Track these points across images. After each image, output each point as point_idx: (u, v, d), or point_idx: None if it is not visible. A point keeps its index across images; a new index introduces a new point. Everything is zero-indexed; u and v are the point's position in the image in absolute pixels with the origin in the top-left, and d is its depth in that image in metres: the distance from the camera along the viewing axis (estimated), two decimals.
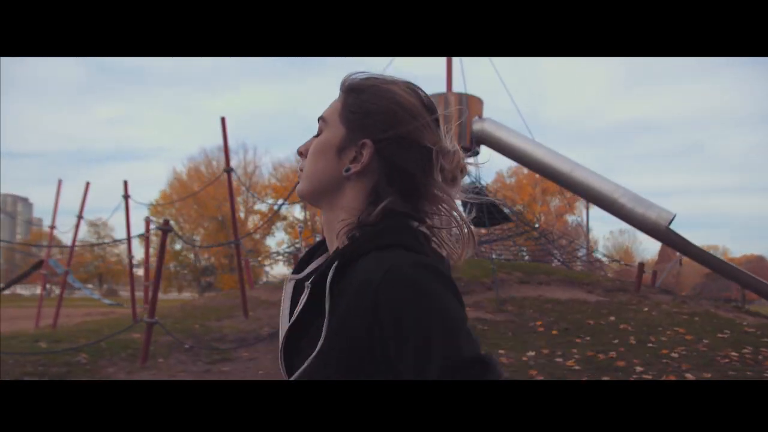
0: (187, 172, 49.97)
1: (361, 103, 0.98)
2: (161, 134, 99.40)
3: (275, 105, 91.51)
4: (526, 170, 55.48)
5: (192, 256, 50.39)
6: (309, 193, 1.00)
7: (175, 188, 49.61)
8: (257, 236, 46.25)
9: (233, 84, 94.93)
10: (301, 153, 1.03)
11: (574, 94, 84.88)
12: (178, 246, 47.60)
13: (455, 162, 0.96)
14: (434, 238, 0.97)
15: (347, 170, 0.96)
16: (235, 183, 12.38)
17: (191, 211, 49.07)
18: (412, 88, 1.00)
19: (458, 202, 1.01)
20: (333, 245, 0.98)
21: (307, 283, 0.93)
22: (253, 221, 48.23)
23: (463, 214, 0.97)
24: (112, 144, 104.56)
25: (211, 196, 46.09)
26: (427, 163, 0.95)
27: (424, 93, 1.00)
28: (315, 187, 1.00)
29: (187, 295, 48.41)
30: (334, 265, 0.89)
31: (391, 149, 0.95)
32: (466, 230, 0.97)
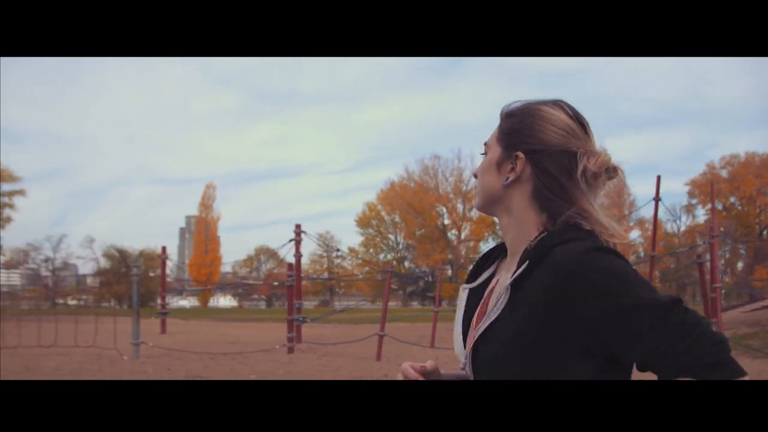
0: (399, 183, 51.72)
1: (512, 124, 1.16)
2: (312, 151, 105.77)
3: (419, 114, 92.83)
4: (743, 158, 50.51)
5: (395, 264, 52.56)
6: (483, 205, 1.21)
7: (386, 198, 51.94)
8: (471, 244, 47.20)
9: (377, 97, 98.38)
10: (475, 175, 1.23)
11: None
12: (382, 256, 49.84)
13: (599, 162, 1.09)
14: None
15: (506, 180, 1.14)
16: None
17: (406, 220, 50.76)
18: (558, 104, 1.15)
19: None
20: (513, 246, 1.15)
21: (507, 285, 1.06)
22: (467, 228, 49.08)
23: (599, 213, 1.09)
24: (268, 163, 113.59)
25: (429, 205, 47.42)
26: (573, 165, 1.09)
27: (571, 106, 1.15)
28: (486, 200, 1.20)
29: (392, 304, 50.61)
30: (525, 264, 1.05)
31: (539, 157, 1.11)
32: (603, 227, 1.07)
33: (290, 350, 13.09)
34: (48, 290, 40.19)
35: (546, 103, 1.16)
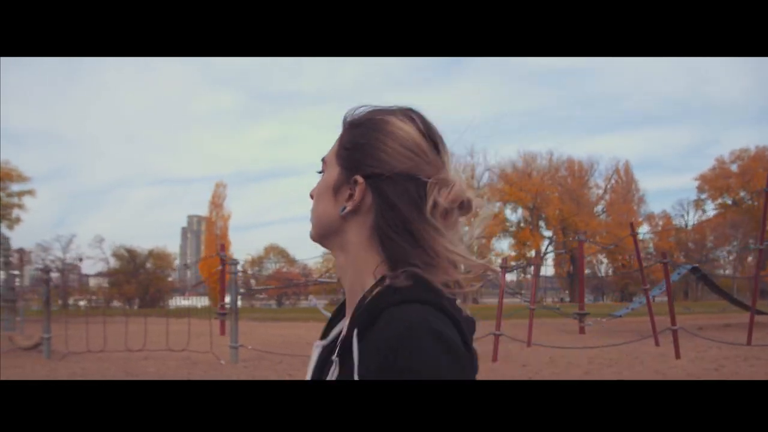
0: None
1: (353, 139, 0.96)
2: (313, 150, 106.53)
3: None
4: (753, 151, 50.25)
5: None
6: (316, 237, 1.00)
7: None
8: (483, 241, 47.05)
9: (377, 96, 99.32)
10: (311, 196, 1.02)
11: None
12: None
13: (452, 195, 0.90)
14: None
15: (343, 210, 0.94)
16: None
17: None
18: (409, 117, 0.95)
19: None
20: (350, 294, 0.95)
21: (334, 358, 0.89)
22: None
23: (455, 251, 0.89)
24: (269, 164, 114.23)
25: None
26: (421, 197, 0.89)
27: (424, 119, 0.96)
28: (319, 231, 0.99)
29: None
30: (355, 333, 0.85)
31: (383, 184, 0.91)
32: (452, 270, 0.88)
33: None
34: (59, 290, 39.97)
35: (395, 112, 0.96)
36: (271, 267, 52.45)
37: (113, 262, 47.08)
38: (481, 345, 12.10)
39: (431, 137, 0.94)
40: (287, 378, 9.36)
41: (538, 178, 52.73)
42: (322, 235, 0.98)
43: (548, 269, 51.18)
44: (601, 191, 55.24)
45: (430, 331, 0.79)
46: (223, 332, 16.44)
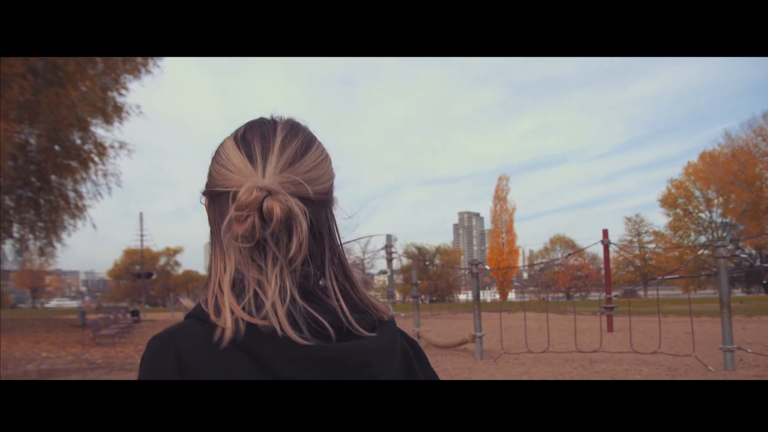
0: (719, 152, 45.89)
1: None
2: (574, 137, 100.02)
3: (694, 80, 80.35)
4: None
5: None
6: None
7: (696, 173, 46.62)
8: None
9: (644, 68, 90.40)
10: None
11: None
12: (692, 237, 44.66)
13: (236, 203, 0.81)
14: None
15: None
16: None
17: (727, 194, 44.86)
18: (237, 129, 0.91)
19: None
20: None
21: None
22: None
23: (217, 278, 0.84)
24: (528, 156, 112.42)
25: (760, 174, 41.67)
26: (225, 209, 0.85)
27: (246, 127, 0.90)
28: None
29: (709, 292, 44.81)
30: None
31: (208, 206, 0.91)
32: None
33: None
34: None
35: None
36: (558, 257, 50.81)
37: (404, 260, 49.85)
38: None
39: (242, 146, 0.87)
40: None
41: None
42: None
43: None
44: None
45: (155, 341, 0.81)
46: (610, 329, 15.00)
